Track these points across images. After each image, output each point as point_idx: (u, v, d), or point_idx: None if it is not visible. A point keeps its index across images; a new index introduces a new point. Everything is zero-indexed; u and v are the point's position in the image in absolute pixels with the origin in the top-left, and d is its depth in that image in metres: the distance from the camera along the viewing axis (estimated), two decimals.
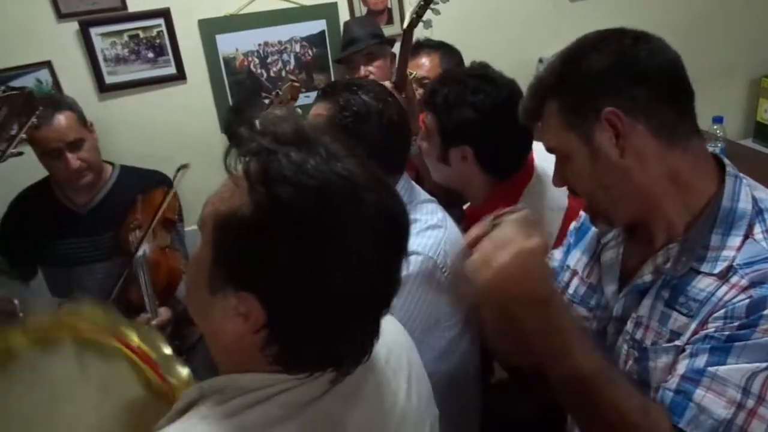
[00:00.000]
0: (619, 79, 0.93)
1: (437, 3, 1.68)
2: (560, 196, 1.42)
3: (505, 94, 1.46)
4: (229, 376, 0.73)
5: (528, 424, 1.54)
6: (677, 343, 0.93)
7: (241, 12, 2.45)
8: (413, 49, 1.97)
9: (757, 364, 0.84)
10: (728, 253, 0.90)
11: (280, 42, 2.55)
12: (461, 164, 1.51)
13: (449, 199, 1.67)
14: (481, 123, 1.44)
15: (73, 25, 2.28)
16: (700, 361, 0.88)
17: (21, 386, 0.88)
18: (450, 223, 1.42)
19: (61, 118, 1.85)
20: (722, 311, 0.87)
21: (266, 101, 1.89)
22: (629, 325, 1.01)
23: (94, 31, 2.31)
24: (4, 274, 1.98)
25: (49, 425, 0.89)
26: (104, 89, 2.38)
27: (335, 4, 2.54)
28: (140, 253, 1.77)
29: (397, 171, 1.40)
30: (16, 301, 1.55)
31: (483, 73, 1.51)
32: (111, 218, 1.94)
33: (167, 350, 0.93)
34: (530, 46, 2.66)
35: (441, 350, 1.35)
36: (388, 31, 2.47)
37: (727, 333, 0.86)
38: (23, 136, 1.60)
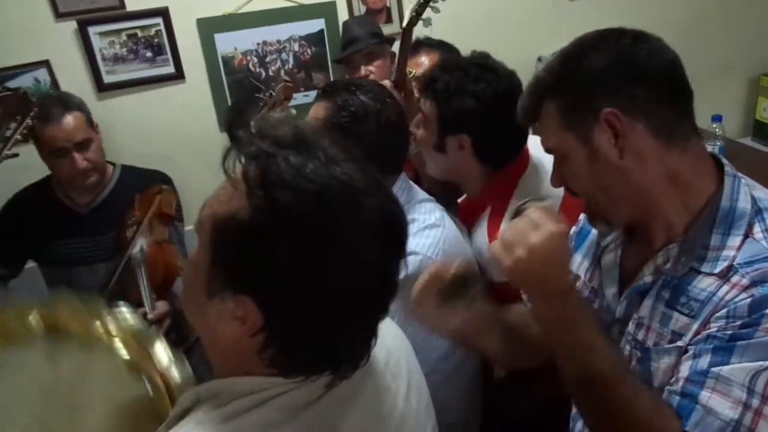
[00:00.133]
0: (618, 79, 0.93)
1: (437, 1, 1.67)
2: None
3: (506, 84, 1.46)
4: (224, 380, 0.72)
5: (528, 423, 1.53)
6: (679, 343, 0.92)
7: (240, 11, 2.45)
8: (413, 47, 1.96)
9: (761, 363, 0.84)
10: (728, 253, 0.90)
11: (278, 41, 2.55)
12: (457, 153, 1.50)
13: (448, 199, 1.67)
14: (481, 112, 1.44)
15: (71, 24, 2.28)
16: (704, 361, 0.87)
17: None
18: (448, 222, 1.42)
19: (70, 118, 1.85)
20: (724, 311, 0.87)
21: (260, 102, 1.88)
22: (631, 327, 1.01)
23: (93, 30, 2.30)
24: (3, 275, 1.98)
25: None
26: (102, 89, 2.38)
27: (334, 3, 2.54)
28: (137, 249, 1.77)
29: (395, 171, 1.40)
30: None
31: (484, 62, 1.50)
32: (113, 218, 1.94)
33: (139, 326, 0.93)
34: (529, 45, 2.66)
35: (443, 351, 1.35)
36: (387, 30, 2.47)
37: (729, 332, 0.86)
38: (18, 137, 1.59)
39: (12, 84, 2.23)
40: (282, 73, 2.56)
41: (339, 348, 0.71)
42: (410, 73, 1.82)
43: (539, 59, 2.66)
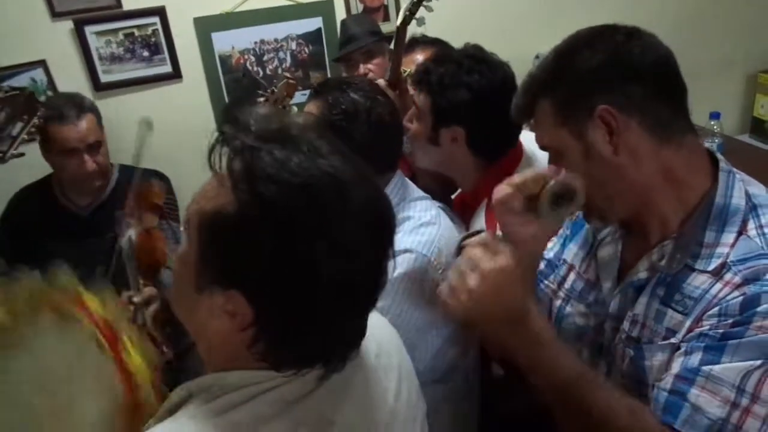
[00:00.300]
0: (612, 76, 0.93)
1: (430, 0, 1.67)
2: None
3: (500, 75, 1.46)
4: (214, 375, 0.73)
5: (526, 422, 1.53)
6: (672, 340, 0.92)
7: (237, 10, 2.44)
8: (408, 45, 1.96)
9: (752, 362, 0.84)
10: (722, 250, 0.90)
11: (276, 40, 2.54)
12: (451, 146, 1.50)
13: (444, 197, 1.67)
14: (475, 104, 1.43)
15: (68, 24, 2.27)
16: (695, 359, 0.87)
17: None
18: (444, 219, 1.42)
19: (85, 120, 1.86)
20: (716, 309, 0.87)
21: (261, 99, 1.88)
22: (626, 324, 1.01)
23: (89, 30, 2.30)
24: (3, 275, 1.97)
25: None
26: (99, 88, 2.37)
27: (331, 2, 2.54)
28: (125, 239, 1.78)
29: (388, 169, 1.40)
30: None
31: (478, 54, 1.50)
32: (112, 219, 1.94)
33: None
34: (526, 42, 2.64)
35: (437, 349, 1.35)
36: (384, 28, 2.46)
37: (721, 331, 0.86)
38: (25, 137, 1.59)
39: (8, 84, 2.22)
40: (279, 71, 2.55)
41: (327, 341, 0.71)
42: (405, 71, 1.81)
43: (537, 56, 2.66)
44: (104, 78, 2.37)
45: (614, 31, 0.95)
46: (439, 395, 1.32)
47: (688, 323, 0.90)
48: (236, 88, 2.52)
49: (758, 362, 0.84)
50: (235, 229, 0.64)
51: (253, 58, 2.53)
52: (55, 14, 2.25)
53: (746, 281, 0.86)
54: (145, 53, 2.40)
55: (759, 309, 0.84)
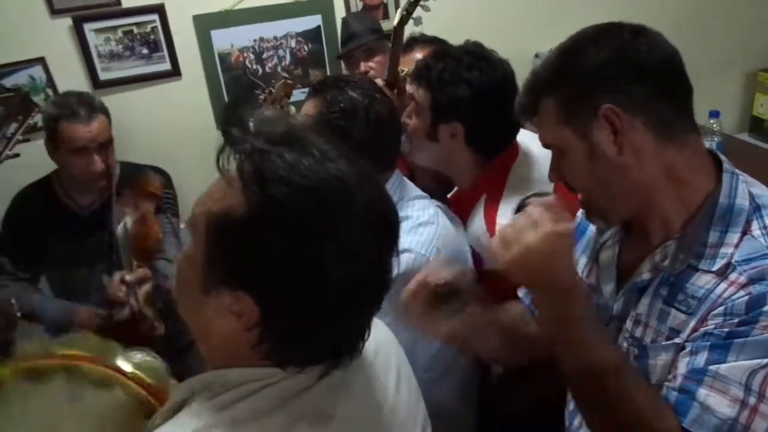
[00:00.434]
0: (617, 75, 0.92)
1: (426, 0, 1.67)
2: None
3: (500, 72, 1.46)
4: (216, 372, 0.73)
5: (525, 421, 1.53)
6: (677, 340, 0.92)
7: (236, 7, 2.44)
8: (407, 45, 1.96)
9: (758, 361, 0.84)
10: (726, 250, 0.90)
11: (275, 37, 2.54)
12: (450, 142, 1.49)
13: (442, 195, 1.66)
14: (475, 100, 1.43)
15: (67, 21, 2.27)
16: (701, 359, 0.87)
17: (9, 421, 0.87)
18: (442, 218, 1.42)
19: (97, 121, 1.87)
20: (721, 308, 0.87)
21: (260, 98, 1.88)
22: (629, 324, 1.01)
23: (88, 27, 2.29)
24: (9, 275, 1.97)
25: None
26: (98, 86, 2.37)
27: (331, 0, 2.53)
28: (120, 226, 1.82)
29: (387, 168, 1.39)
30: (13, 301, 1.55)
31: (477, 50, 1.50)
32: (112, 218, 1.93)
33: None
34: (525, 41, 2.65)
35: (436, 349, 1.35)
36: (384, 25, 2.46)
37: (726, 330, 0.86)
38: (19, 137, 1.59)
39: (7, 81, 2.22)
40: (279, 69, 2.55)
41: (333, 341, 0.72)
42: (402, 71, 1.81)
43: (536, 56, 2.66)
44: (103, 75, 2.37)
45: (620, 28, 0.95)
46: (439, 395, 1.31)
47: (692, 323, 0.90)
48: (235, 87, 2.52)
49: (764, 361, 0.84)
50: (245, 230, 0.65)
51: (252, 56, 2.53)
52: (54, 11, 2.25)
53: (752, 281, 0.86)
54: (144, 51, 2.39)
55: (765, 308, 0.84)
